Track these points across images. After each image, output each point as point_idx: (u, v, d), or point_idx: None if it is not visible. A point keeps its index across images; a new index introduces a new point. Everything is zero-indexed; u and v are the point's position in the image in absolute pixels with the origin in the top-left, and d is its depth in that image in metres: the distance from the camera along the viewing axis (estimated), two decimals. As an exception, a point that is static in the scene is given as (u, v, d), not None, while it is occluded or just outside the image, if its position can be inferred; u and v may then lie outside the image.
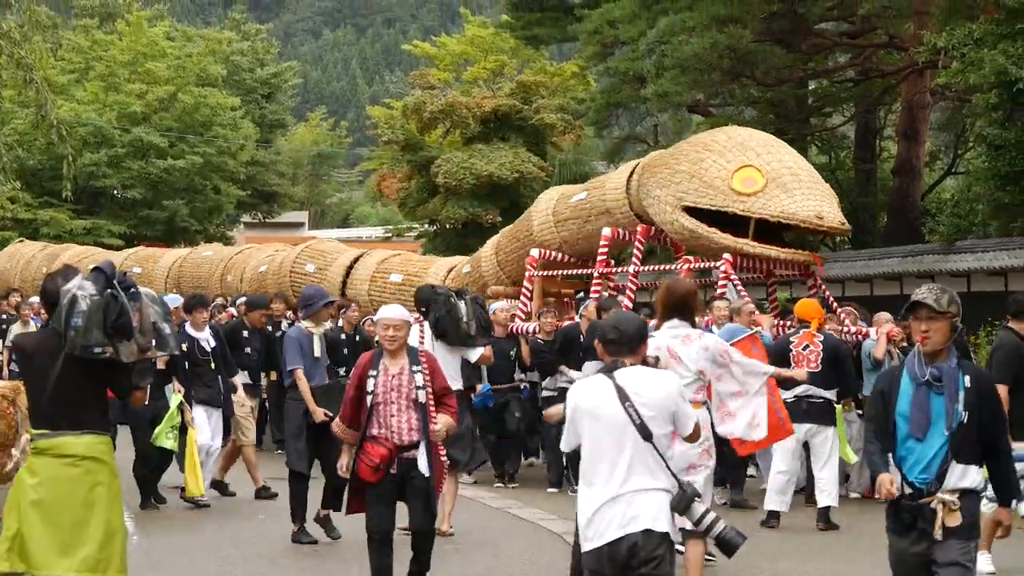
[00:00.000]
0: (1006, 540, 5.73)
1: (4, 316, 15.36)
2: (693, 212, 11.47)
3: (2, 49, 18.54)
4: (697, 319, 7.33)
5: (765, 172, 11.19)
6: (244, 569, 8.15)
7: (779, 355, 9.62)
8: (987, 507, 6.02)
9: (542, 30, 28.08)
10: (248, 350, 11.47)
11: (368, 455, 6.77)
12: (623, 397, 4.82)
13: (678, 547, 5.68)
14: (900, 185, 22.66)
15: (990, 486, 5.29)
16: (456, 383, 9.14)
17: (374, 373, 6.86)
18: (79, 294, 5.41)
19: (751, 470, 11.66)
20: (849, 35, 23.42)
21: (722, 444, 7.91)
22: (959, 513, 4.92)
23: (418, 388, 6.84)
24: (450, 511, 9.03)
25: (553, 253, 13.36)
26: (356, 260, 16.37)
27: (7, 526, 5.53)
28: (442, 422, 6.88)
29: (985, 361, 12.70)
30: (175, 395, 10.02)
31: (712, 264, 12.10)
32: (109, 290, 5.45)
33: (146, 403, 8.10)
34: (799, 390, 9.61)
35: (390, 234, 40.27)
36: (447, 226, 30.32)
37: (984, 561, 7.74)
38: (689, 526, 6.30)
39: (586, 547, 4.88)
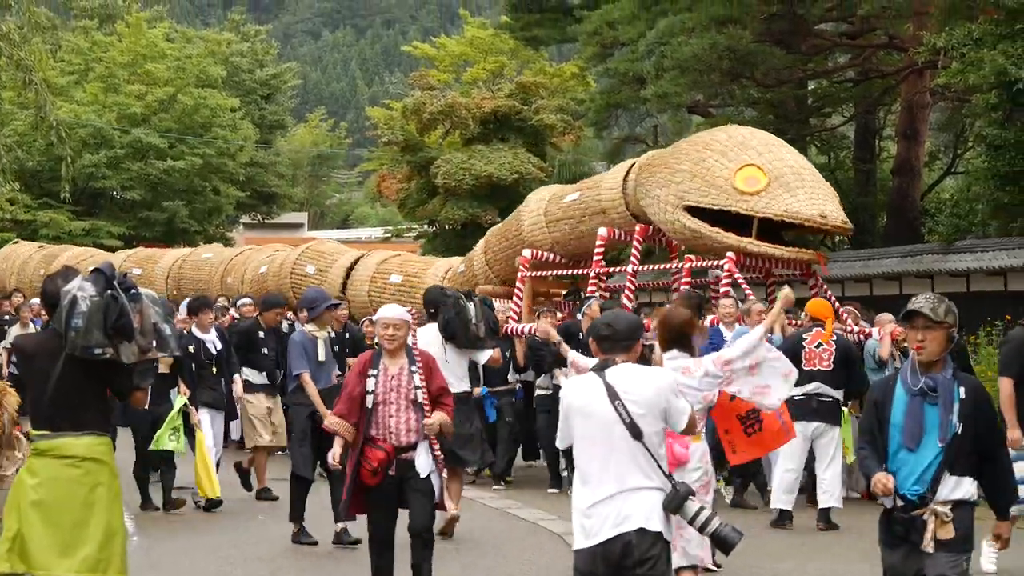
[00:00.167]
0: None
1: (5, 317, 15.36)
2: (694, 212, 11.45)
3: (2, 51, 18.51)
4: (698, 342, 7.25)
5: (767, 171, 11.16)
6: (244, 569, 8.16)
7: (791, 353, 9.44)
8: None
9: (541, 31, 28.05)
10: (265, 350, 11.19)
11: (367, 459, 6.77)
12: (612, 395, 4.81)
13: None
14: (900, 185, 22.64)
15: None
16: (464, 385, 9.17)
17: (374, 373, 6.87)
18: (79, 295, 5.42)
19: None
20: (849, 35, 23.38)
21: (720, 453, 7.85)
22: (951, 525, 4.88)
23: (416, 388, 6.86)
24: (457, 499, 9.04)
25: (544, 253, 13.27)
26: (356, 261, 16.38)
27: (7, 527, 5.54)
28: (436, 417, 6.87)
29: (985, 361, 12.78)
30: (180, 396, 10.02)
31: (713, 264, 12.09)
32: (109, 291, 5.46)
33: (147, 407, 8.06)
34: (809, 388, 9.56)
35: (390, 235, 40.26)
36: (446, 227, 30.31)
37: (988, 560, 7.75)
38: (685, 563, 6.34)
39: (578, 546, 4.87)
